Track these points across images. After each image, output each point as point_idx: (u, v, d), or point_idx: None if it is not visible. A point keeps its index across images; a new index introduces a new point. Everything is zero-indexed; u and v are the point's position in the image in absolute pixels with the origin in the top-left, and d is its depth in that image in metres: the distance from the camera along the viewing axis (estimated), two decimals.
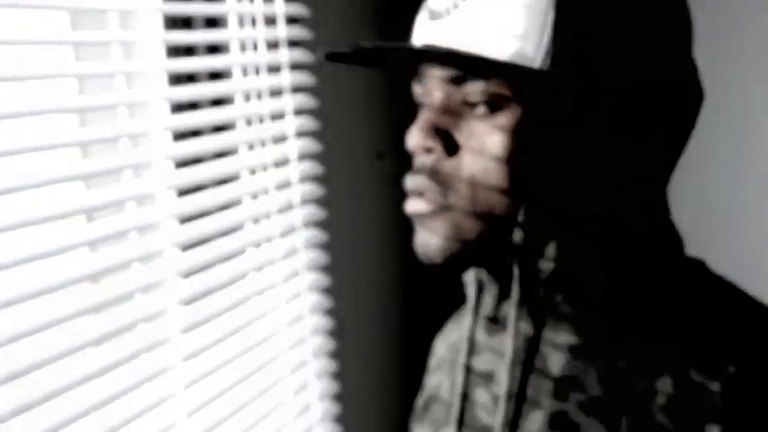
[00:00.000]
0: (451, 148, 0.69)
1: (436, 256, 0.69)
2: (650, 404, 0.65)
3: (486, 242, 0.69)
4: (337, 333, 1.50)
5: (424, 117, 0.69)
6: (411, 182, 0.70)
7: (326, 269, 1.46)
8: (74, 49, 1.07)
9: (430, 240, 0.69)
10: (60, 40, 0.97)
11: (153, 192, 1.07)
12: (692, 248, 0.75)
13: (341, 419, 1.51)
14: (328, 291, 1.47)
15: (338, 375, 1.51)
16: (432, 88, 0.70)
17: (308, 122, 1.39)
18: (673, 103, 0.68)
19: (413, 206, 0.70)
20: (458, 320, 0.89)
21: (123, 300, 1.03)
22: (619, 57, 0.65)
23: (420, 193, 0.69)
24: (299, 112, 1.38)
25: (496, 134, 0.67)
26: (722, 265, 0.79)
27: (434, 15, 0.69)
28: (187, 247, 1.16)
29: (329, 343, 1.46)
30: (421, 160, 0.70)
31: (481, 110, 0.67)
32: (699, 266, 0.73)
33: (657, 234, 0.71)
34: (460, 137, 0.69)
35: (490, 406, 0.74)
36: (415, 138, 0.69)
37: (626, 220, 0.69)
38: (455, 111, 0.69)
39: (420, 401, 0.88)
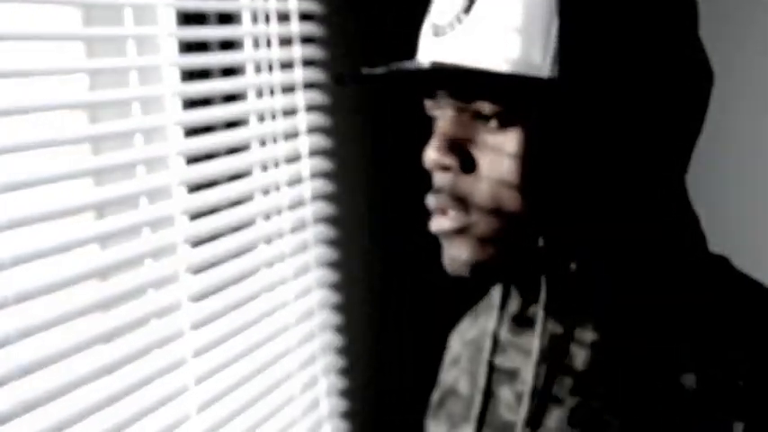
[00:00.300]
0: (468, 163, 0.69)
1: (465, 271, 0.70)
2: (674, 401, 0.66)
3: (511, 253, 0.70)
4: (346, 329, 1.51)
5: (438, 135, 0.70)
6: (433, 201, 0.71)
7: (336, 265, 1.46)
8: (85, 46, 1.07)
9: (457, 257, 0.70)
10: (74, 35, 0.97)
11: (165, 187, 1.07)
12: (716, 246, 0.75)
13: (349, 415, 1.51)
14: (338, 287, 1.47)
15: (347, 371, 1.51)
16: (443, 103, 0.71)
17: (319, 119, 1.39)
18: (682, 87, 0.68)
19: (437, 225, 0.71)
20: (474, 316, 0.89)
21: (135, 295, 1.03)
22: (626, 52, 0.65)
23: (443, 211, 0.70)
24: (310, 108, 1.38)
25: (511, 146, 0.67)
26: (746, 262, 0.78)
27: (439, 31, 0.70)
28: (198, 243, 1.16)
29: (338, 339, 1.46)
30: (440, 178, 0.71)
31: (494, 123, 0.68)
32: (723, 264, 0.73)
33: (679, 228, 0.72)
34: (476, 152, 0.69)
35: (513, 403, 0.75)
36: (431, 156, 0.69)
37: (646, 215, 0.70)
38: (468, 125, 0.69)
39: (435, 397, 0.89)
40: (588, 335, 0.71)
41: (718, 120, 1.61)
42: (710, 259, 0.73)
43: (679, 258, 0.71)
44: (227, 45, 1.23)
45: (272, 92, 1.29)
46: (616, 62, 0.65)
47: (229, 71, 1.23)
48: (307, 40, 1.36)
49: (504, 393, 0.76)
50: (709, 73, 0.71)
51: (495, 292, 0.79)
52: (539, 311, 0.72)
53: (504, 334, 0.78)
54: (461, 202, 0.69)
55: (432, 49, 0.70)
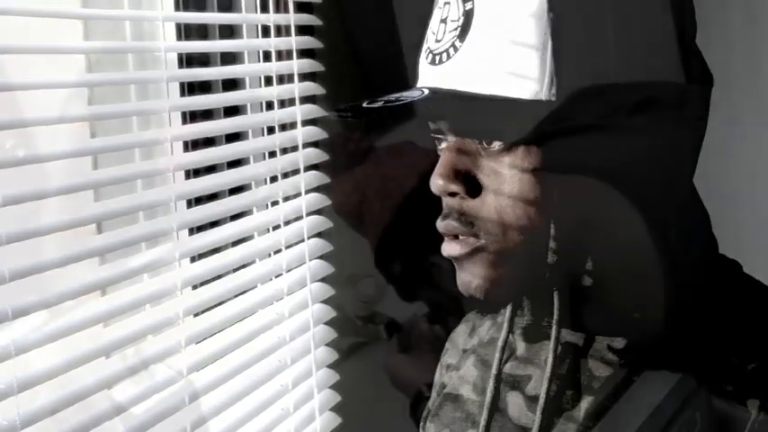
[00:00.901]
0: (474, 188, 0.70)
1: (479, 292, 0.71)
2: (691, 412, 0.66)
3: (523, 272, 0.70)
4: (341, 343, 1.50)
5: (443, 161, 0.70)
6: (442, 226, 0.71)
7: (331, 279, 1.46)
8: (86, 59, 1.06)
9: (471, 280, 0.71)
10: (76, 48, 0.97)
11: (163, 202, 1.07)
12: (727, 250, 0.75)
13: (343, 431, 1.50)
14: (333, 302, 1.46)
15: (341, 386, 1.50)
16: (445, 129, 0.71)
17: (316, 132, 1.39)
18: (682, 93, 0.68)
19: (449, 250, 0.71)
20: (470, 323, 0.89)
21: (133, 310, 1.02)
22: (624, 65, 0.65)
23: (454, 236, 0.71)
24: (307, 122, 1.38)
25: (516, 167, 0.67)
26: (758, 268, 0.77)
27: (435, 59, 0.70)
28: (194, 256, 1.16)
29: (333, 354, 1.46)
30: (448, 203, 0.71)
31: (497, 145, 0.68)
32: (735, 269, 0.74)
33: (691, 234, 0.72)
34: (481, 176, 0.69)
35: (522, 416, 0.75)
36: (437, 183, 0.70)
37: (657, 223, 0.69)
38: (472, 149, 0.70)
39: (434, 401, 0.88)
40: (602, 348, 0.72)
41: (728, 123, 1.58)
42: (722, 264, 0.74)
43: (691, 266, 0.71)
44: (227, 61, 1.22)
45: (270, 106, 1.28)
46: (614, 77, 0.65)
47: (229, 85, 1.23)
48: (305, 53, 1.36)
49: (513, 406, 0.76)
50: (708, 77, 0.71)
51: (508, 307, 0.78)
52: (552, 326, 0.72)
53: (515, 346, 0.78)
54: (471, 225, 0.70)
55: (430, 77, 0.70)
